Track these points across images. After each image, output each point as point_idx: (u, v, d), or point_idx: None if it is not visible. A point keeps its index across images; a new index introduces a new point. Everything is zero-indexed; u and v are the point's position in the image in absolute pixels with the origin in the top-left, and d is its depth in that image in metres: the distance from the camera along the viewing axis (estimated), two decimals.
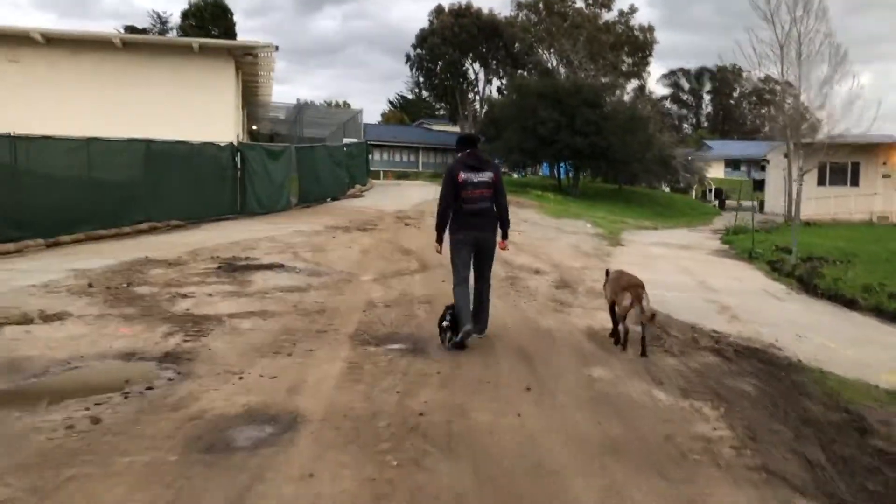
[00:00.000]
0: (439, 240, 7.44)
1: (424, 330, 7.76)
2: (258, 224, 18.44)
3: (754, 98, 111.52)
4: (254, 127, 41.21)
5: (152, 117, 22.36)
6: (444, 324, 6.94)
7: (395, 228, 18.10)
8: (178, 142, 18.46)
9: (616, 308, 7.30)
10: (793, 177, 31.71)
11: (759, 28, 40.58)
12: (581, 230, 22.09)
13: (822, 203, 35.40)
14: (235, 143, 20.41)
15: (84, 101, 22.62)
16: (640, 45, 65.62)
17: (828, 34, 31.25)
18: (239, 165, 20.52)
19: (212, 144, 19.63)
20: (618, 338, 7.29)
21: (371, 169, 65.55)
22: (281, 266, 11.55)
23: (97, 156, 15.69)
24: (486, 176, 6.95)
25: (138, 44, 24.80)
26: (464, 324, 6.80)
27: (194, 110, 23.51)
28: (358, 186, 29.38)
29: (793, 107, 32.00)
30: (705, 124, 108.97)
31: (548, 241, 17.92)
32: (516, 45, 63.21)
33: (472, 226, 7.03)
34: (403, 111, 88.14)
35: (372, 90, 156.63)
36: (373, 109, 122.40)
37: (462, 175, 6.89)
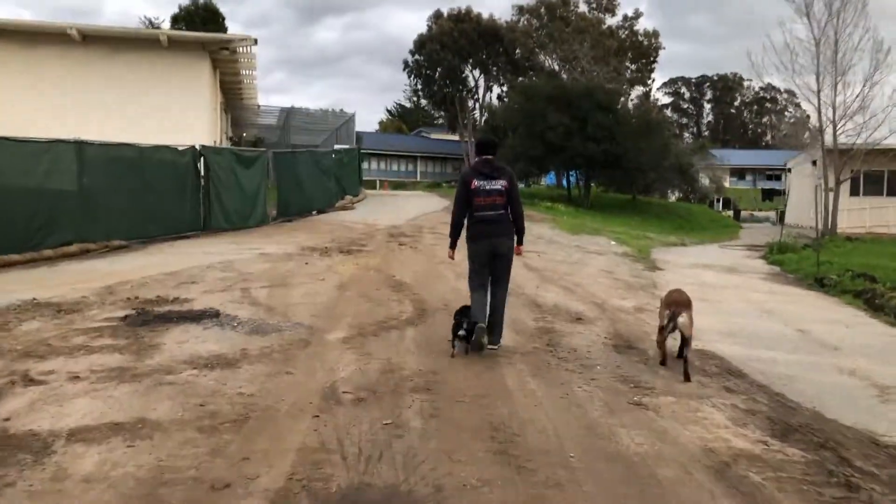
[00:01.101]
0: (452, 246, 7.30)
1: (420, 471, 4.08)
2: (220, 244, 14.78)
3: (755, 107, 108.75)
4: (244, 134, 37.72)
5: (115, 120, 18.95)
6: (461, 333, 6.56)
7: (387, 250, 14.44)
8: (123, 144, 14.84)
9: (660, 325, 6.85)
10: (828, 186, 28.10)
11: (792, 22, 36.84)
12: (606, 249, 18.46)
13: (856, 215, 31.76)
14: (198, 147, 16.78)
15: (36, 100, 19.13)
16: (644, 51, 62.42)
17: (868, 29, 27.64)
18: (203, 173, 16.89)
19: (168, 148, 16.00)
20: (663, 358, 6.82)
21: (366, 178, 62.15)
22: (215, 315, 7.88)
23: (4, 159, 12.05)
24: (498, 184, 6.74)
25: (99, 36, 21.15)
26: (478, 320, 6.59)
27: (164, 112, 20.13)
28: (349, 198, 25.74)
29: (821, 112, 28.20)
30: (706, 133, 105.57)
31: (575, 266, 14.29)
32: (517, 50, 59.98)
33: (485, 233, 6.81)
34: (402, 120, 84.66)
35: (371, 101, 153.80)
36: (371, 119, 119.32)
37: (475, 182, 6.73)
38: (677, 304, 6.69)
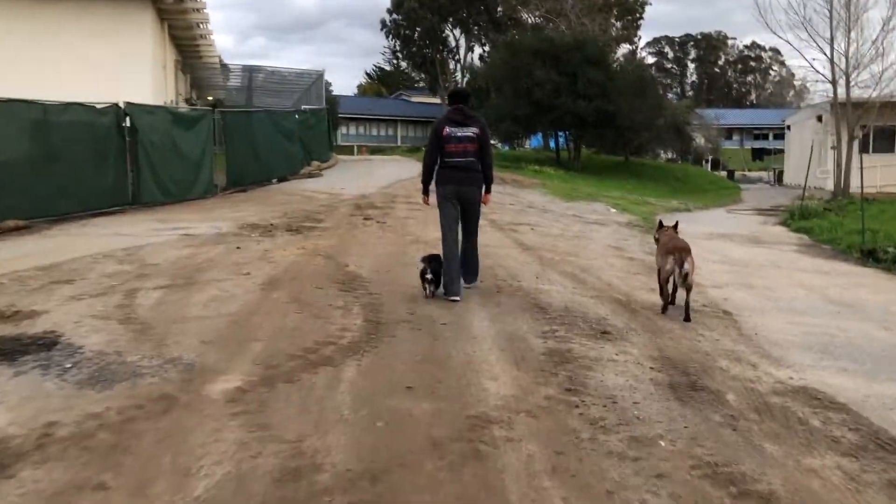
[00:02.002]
0: (425, 192, 7.14)
1: None
2: (142, 222, 11.86)
3: (740, 66, 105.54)
4: (209, 98, 34.37)
5: (43, 76, 15.82)
6: (428, 276, 6.58)
7: (347, 227, 11.56)
8: (17, 101, 11.78)
9: (659, 272, 6.76)
10: (841, 142, 25.39)
11: None
12: (606, 218, 15.70)
13: (868, 174, 29.06)
14: (122, 105, 13.73)
15: None
16: (629, 7, 59.29)
17: None
18: (130, 136, 13.88)
19: (83, 107, 12.95)
20: (665, 304, 6.67)
21: (344, 144, 58.84)
22: (51, 344, 5.01)
23: None
24: (470, 131, 6.69)
25: None
26: (455, 292, 6.58)
27: (97, 68, 16.98)
28: (316, 164, 22.73)
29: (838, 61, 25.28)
30: (690, 93, 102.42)
31: (577, 242, 11.49)
32: (499, 8, 56.74)
33: (454, 179, 6.75)
34: (381, 83, 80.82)
35: (353, 66, 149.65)
36: (353, 85, 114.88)
37: (446, 129, 6.69)
38: (680, 250, 6.42)
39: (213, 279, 7.31)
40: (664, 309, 6.63)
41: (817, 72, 26.68)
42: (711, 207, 23.07)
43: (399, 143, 60.37)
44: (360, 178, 21.13)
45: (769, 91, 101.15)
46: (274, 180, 19.53)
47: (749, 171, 51.33)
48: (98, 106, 13.25)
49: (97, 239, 10.09)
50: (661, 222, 7.61)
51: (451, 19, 59.88)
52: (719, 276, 9.23)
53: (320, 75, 28.16)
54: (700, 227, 16.54)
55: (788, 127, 37.04)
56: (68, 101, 12.58)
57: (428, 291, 6.63)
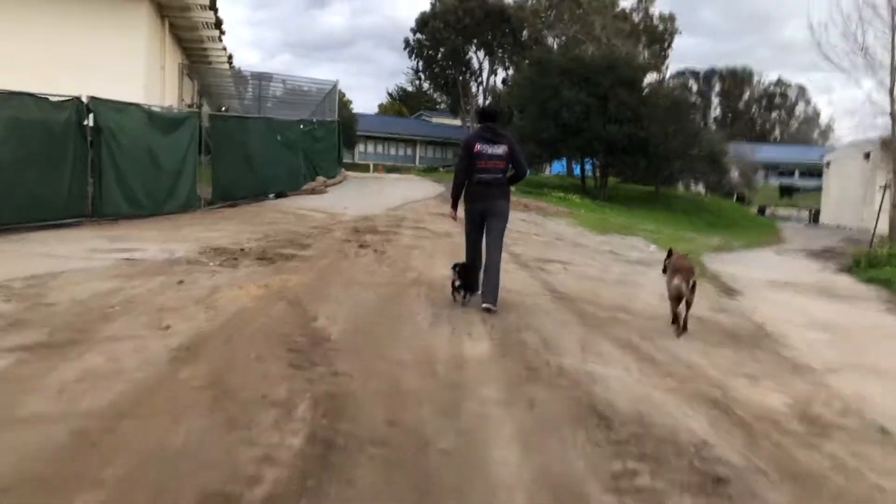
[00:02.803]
0: (454, 206, 7.16)
1: None
2: (89, 240, 9.54)
3: (764, 101, 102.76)
4: (223, 108, 32.30)
5: (28, 72, 13.64)
6: (457, 284, 6.61)
7: (335, 257, 9.12)
8: None
9: (668, 288, 6.82)
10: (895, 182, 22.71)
11: None
12: (648, 256, 13.18)
13: None
14: (85, 100, 11.46)
15: None
16: (658, 36, 57.22)
17: None
18: (92, 137, 11.59)
19: (33, 98, 10.67)
20: (675, 320, 6.70)
21: (361, 162, 56.67)
22: None
23: None
24: (500, 149, 6.67)
25: None
26: (489, 302, 6.45)
27: (85, 65, 14.87)
28: (321, 179, 20.40)
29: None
30: (713, 127, 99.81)
31: (623, 290, 8.95)
32: (524, 32, 54.69)
33: (484, 196, 6.71)
34: (403, 103, 78.87)
35: (377, 86, 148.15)
36: (375, 105, 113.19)
37: (478, 146, 6.67)
38: (687, 270, 6.69)
39: (110, 336, 4.89)
40: (674, 322, 6.72)
41: (873, 103, 24.02)
42: (755, 247, 20.47)
43: (417, 164, 58.20)
44: (367, 197, 18.78)
45: (794, 128, 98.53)
46: (271, 195, 17.22)
47: (777, 207, 48.69)
48: (53, 99, 10.98)
49: (14, 261, 7.75)
50: (670, 251, 7.66)
51: (475, 41, 57.82)
52: (822, 350, 6.71)
53: (334, 86, 25.89)
54: (754, 271, 13.99)
55: (828, 164, 34.40)
56: (12, 91, 10.31)
57: (457, 299, 6.66)
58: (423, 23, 56.87)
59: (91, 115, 11.57)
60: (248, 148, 16.01)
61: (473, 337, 5.46)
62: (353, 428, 3.56)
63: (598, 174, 29.65)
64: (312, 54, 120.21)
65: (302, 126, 19.79)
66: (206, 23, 22.13)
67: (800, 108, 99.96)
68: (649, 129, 25.54)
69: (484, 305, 6.44)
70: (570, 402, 4.18)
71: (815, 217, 35.77)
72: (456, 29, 55.04)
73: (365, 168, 48.58)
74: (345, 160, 54.03)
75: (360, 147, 58.26)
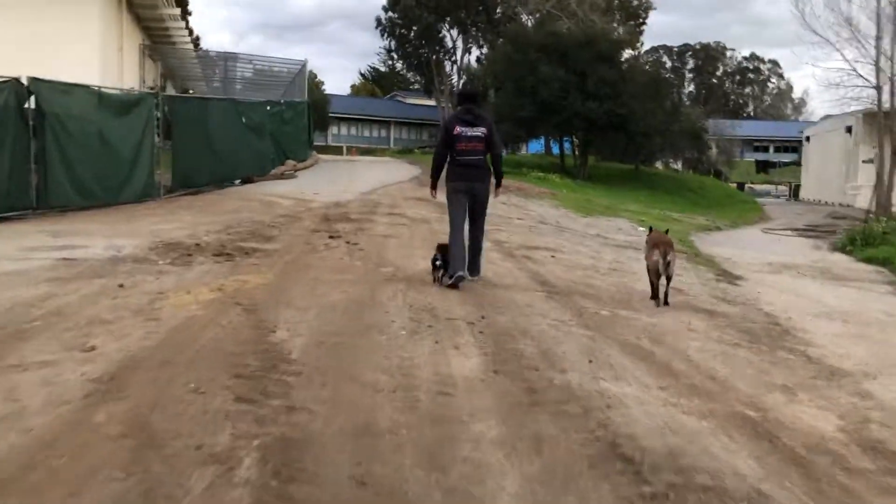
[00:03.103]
0: (433, 186, 7.28)
1: None
2: (28, 235, 8.58)
3: (738, 77, 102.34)
4: (190, 90, 30.95)
5: None
6: (437, 262, 6.62)
7: (302, 251, 8.22)
8: None
9: (647, 265, 6.98)
10: (883, 155, 22.20)
11: None
12: (637, 239, 12.42)
13: None
14: (25, 81, 10.39)
15: None
16: (633, 12, 56.26)
17: None
18: (34, 121, 10.55)
19: None
20: (655, 295, 6.84)
21: (334, 144, 55.40)
22: None
23: None
24: (479, 131, 6.78)
25: None
26: (457, 269, 6.52)
27: (34, 45, 13.80)
28: (291, 163, 19.39)
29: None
30: (687, 103, 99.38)
31: (619, 280, 8.16)
32: (498, 9, 53.57)
33: (465, 176, 6.81)
34: (376, 84, 77.29)
35: (349, 67, 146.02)
36: (347, 86, 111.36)
37: (458, 128, 6.74)
38: (666, 244, 6.82)
39: (18, 363, 3.97)
40: (654, 297, 6.82)
41: (859, 75, 23.42)
42: (742, 226, 19.82)
43: (392, 145, 57.12)
44: (339, 181, 17.82)
45: (767, 103, 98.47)
46: (237, 181, 16.22)
47: (754, 184, 48.31)
48: None
49: None
50: (651, 228, 8.00)
51: (448, 19, 56.49)
52: (848, 346, 5.97)
53: (303, 66, 24.75)
54: (748, 252, 13.32)
55: (807, 139, 33.89)
56: None
57: (436, 278, 6.65)
58: (394, 1, 55.50)
59: (32, 98, 10.51)
60: (211, 131, 14.97)
61: (461, 349, 4.61)
62: (310, 492, 2.71)
63: (577, 153, 28.82)
64: (284, 35, 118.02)
65: (269, 107, 18.72)
66: (167, 0, 21.01)
67: (773, 83, 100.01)
68: (629, 105, 24.73)
69: (469, 277, 6.72)
70: (585, 439, 3.36)
71: (794, 193, 35.34)
72: (428, 6, 53.76)
73: (338, 151, 47.47)
74: (317, 143, 52.73)
75: (334, 129, 56.95)
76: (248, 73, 27.75)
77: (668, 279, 6.72)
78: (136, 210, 11.50)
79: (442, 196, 7.09)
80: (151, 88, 23.47)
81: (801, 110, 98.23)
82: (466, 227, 6.84)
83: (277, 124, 19.05)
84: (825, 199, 29.50)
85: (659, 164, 35.11)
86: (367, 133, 59.72)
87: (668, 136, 27.78)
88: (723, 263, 11.04)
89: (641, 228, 13.83)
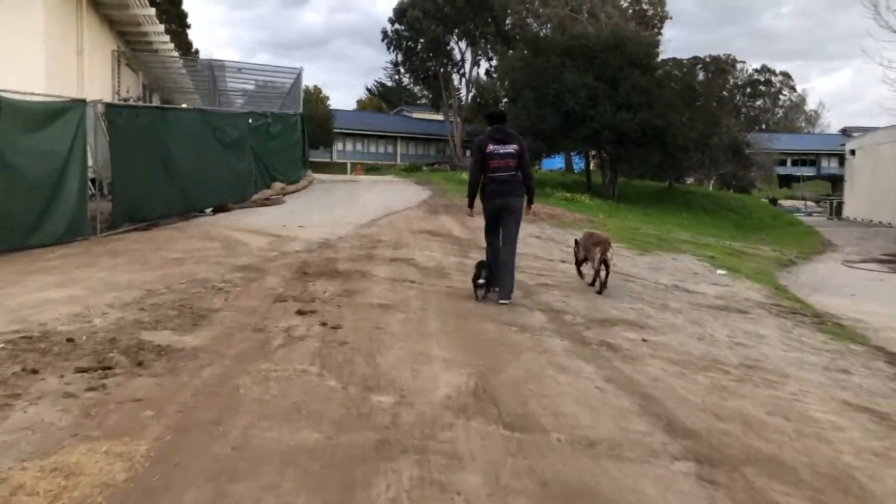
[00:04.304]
0: (471, 205, 7.18)
1: None
2: None
3: (748, 90, 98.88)
4: (184, 105, 27.73)
5: None
6: (480, 281, 6.70)
7: (243, 350, 4.80)
8: None
9: (589, 260, 7.85)
10: None
11: None
12: (731, 292, 9.01)
13: None
14: None
15: None
16: (648, 21, 53.07)
17: None
18: None
19: None
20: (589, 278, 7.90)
21: (338, 161, 52.02)
22: None
23: None
24: (511, 148, 6.78)
25: None
26: (506, 290, 6.71)
27: None
28: (279, 185, 16.11)
29: None
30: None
31: (773, 393, 4.74)
32: (508, 20, 50.53)
33: (500, 192, 6.79)
34: (382, 99, 74.19)
35: (355, 83, 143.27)
36: (354, 102, 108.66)
37: (490, 146, 6.75)
38: (605, 242, 7.68)
39: None
40: (593, 283, 7.78)
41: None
42: (813, 256, 16.37)
43: (398, 161, 53.84)
44: (334, 207, 14.51)
45: (779, 115, 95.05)
46: (208, 210, 12.93)
47: (778, 199, 44.87)
48: None
49: None
50: (576, 241, 8.48)
51: (456, 30, 53.44)
52: None
53: (299, 74, 21.46)
54: (866, 302, 9.87)
55: (852, 152, 30.40)
56: None
57: (479, 295, 6.71)
58: (401, 13, 52.48)
59: None
60: (170, 149, 11.68)
61: None
62: None
63: (606, 169, 25.34)
64: (290, 53, 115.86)
65: (251, 120, 15.39)
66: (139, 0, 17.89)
67: (784, 96, 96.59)
68: (666, 115, 21.36)
69: (500, 301, 6.63)
70: None
71: (837, 210, 31.86)
72: (436, 18, 50.80)
73: (343, 168, 44.23)
74: (322, 159, 49.63)
75: (339, 145, 53.86)
76: (242, 84, 24.45)
77: (608, 268, 7.57)
78: (40, 259, 8.15)
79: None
80: (125, 100, 20.25)
81: (815, 122, 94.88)
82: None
83: (262, 140, 15.76)
84: (878, 218, 26.04)
85: (690, 181, 31.65)
86: (372, 149, 56.56)
87: (707, 151, 24.39)
88: (854, 325, 7.63)
89: (721, 272, 10.42)
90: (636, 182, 27.97)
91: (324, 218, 12.53)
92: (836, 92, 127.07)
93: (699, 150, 23.68)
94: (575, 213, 15.67)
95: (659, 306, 7.33)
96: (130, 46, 21.78)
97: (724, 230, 19.93)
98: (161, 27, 20.88)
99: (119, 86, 20.56)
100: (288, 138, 17.78)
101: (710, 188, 33.10)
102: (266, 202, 14.67)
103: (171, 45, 23.22)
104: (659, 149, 22.10)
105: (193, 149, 12.47)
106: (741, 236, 18.94)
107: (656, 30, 53.91)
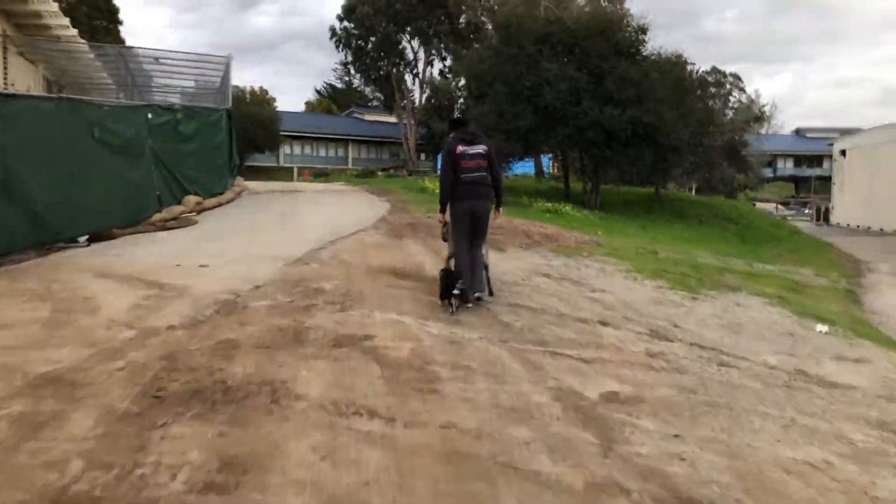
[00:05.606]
0: (442, 210, 6.83)
1: None
2: None
3: (699, 91, 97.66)
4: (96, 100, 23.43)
5: None
6: (456, 291, 6.26)
7: None
8: None
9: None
10: None
11: None
12: (882, 373, 5.58)
13: None
14: None
15: None
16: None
17: None
18: None
19: None
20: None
21: (286, 165, 47.83)
22: None
23: None
24: (480, 148, 6.69)
25: None
26: (465, 282, 6.38)
27: None
28: (193, 201, 12.23)
29: None
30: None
31: None
32: (462, 18, 47.30)
33: (470, 194, 6.62)
34: (332, 101, 70.08)
35: (306, 86, 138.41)
36: (303, 104, 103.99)
37: (460, 147, 6.64)
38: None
39: None
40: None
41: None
42: (858, 279, 13.21)
43: (350, 165, 49.91)
44: (260, 230, 10.73)
45: (729, 117, 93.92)
46: (81, 239, 9.05)
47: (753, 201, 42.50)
48: None
49: None
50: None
51: (408, 28, 49.80)
52: None
53: (227, 64, 17.52)
54: None
55: (842, 152, 27.72)
56: None
57: (454, 307, 6.26)
58: (350, 9, 48.55)
59: None
60: (8, 156, 7.77)
61: None
62: None
63: (587, 175, 21.90)
64: (241, 56, 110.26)
65: (151, 115, 11.45)
66: None
67: (734, 97, 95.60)
68: (658, 112, 18.08)
69: (476, 295, 6.51)
70: None
71: (823, 216, 29.22)
72: (387, 15, 47.13)
73: (289, 173, 40.17)
74: (268, 164, 45.33)
75: (286, 149, 49.65)
76: (180, 80, 20.24)
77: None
78: None
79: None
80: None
81: (770, 123, 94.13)
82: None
83: (169, 141, 11.86)
84: (879, 225, 23.29)
85: (677, 187, 28.63)
86: (322, 153, 52.43)
87: (701, 152, 21.27)
88: None
89: (823, 329, 6.98)
90: (619, 188, 24.68)
91: (242, 249, 8.79)
92: (777, 94, 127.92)
93: (692, 152, 20.48)
94: (573, 232, 12.14)
95: (741, 423, 3.81)
96: (22, 31, 17.69)
97: (732, 245, 16.73)
98: (55, 5, 16.75)
99: (6, 78, 16.47)
100: (208, 140, 13.83)
101: (693, 193, 30.06)
102: (168, 224, 10.80)
103: (75, 32, 19.04)
104: (651, 150, 18.79)
105: (55, 155, 8.58)
106: (754, 252, 15.71)
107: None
